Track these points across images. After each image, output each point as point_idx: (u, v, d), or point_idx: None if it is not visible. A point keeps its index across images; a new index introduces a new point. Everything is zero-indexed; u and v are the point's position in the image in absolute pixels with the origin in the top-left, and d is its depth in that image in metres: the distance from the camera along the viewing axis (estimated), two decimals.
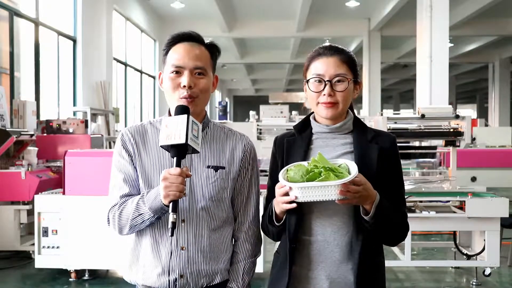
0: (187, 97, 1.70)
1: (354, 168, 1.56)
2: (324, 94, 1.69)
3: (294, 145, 1.78)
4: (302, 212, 1.68)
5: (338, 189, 1.51)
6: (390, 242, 1.77)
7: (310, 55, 1.77)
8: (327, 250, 1.68)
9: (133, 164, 1.74)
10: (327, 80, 1.69)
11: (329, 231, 1.68)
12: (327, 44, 1.80)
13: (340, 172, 1.55)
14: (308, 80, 1.74)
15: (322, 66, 1.70)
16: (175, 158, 1.58)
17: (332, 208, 1.65)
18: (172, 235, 1.54)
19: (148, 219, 1.64)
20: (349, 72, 1.71)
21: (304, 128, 1.81)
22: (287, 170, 1.61)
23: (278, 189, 1.60)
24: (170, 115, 1.75)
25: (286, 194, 1.57)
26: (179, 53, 1.72)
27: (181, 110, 1.63)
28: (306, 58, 1.78)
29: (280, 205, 1.62)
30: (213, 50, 1.81)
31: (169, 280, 1.69)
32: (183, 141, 1.54)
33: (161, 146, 1.60)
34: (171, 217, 1.53)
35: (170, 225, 1.53)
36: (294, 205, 1.57)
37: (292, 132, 1.83)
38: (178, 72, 1.71)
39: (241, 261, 1.81)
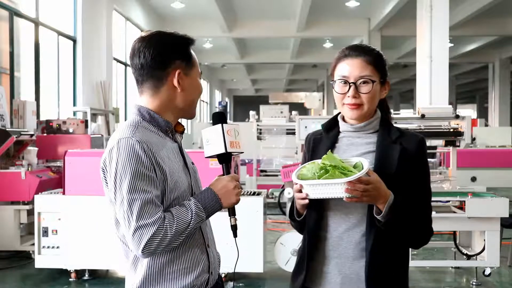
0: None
1: (365, 167, 1.58)
2: (349, 96, 1.72)
3: (320, 143, 1.83)
4: (322, 209, 1.73)
5: (344, 187, 1.55)
6: (410, 244, 1.78)
7: (337, 56, 1.79)
8: (341, 246, 1.71)
9: (157, 176, 1.58)
10: (352, 82, 1.71)
11: (343, 228, 1.71)
12: (354, 44, 1.83)
13: (349, 170, 1.58)
14: (334, 81, 1.77)
15: (347, 68, 1.72)
16: (224, 164, 1.70)
17: (349, 205, 1.68)
18: (236, 236, 1.69)
19: (198, 227, 1.65)
20: (375, 73, 1.72)
21: (331, 127, 1.85)
22: (302, 168, 1.68)
23: (294, 186, 1.69)
24: (150, 115, 1.69)
25: (301, 191, 1.65)
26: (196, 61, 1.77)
27: (219, 117, 1.71)
28: (334, 58, 1.81)
29: (297, 200, 1.71)
30: None
31: (203, 281, 1.69)
32: (222, 150, 1.66)
33: (206, 157, 1.71)
34: (233, 220, 1.70)
35: (233, 228, 1.69)
36: (306, 201, 1.65)
37: (322, 131, 1.88)
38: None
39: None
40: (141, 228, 1.51)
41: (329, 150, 1.66)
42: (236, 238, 1.72)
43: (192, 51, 1.73)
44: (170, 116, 1.71)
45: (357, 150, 1.75)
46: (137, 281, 1.64)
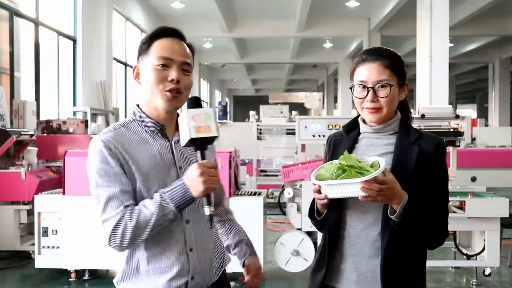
0: (173, 91, 1.65)
1: (381, 166, 1.60)
2: (368, 100, 1.74)
3: (340, 144, 1.87)
4: (341, 208, 1.77)
5: (361, 186, 1.57)
6: (425, 245, 1.79)
7: (355, 60, 1.81)
8: (358, 244, 1.75)
9: (125, 172, 1.61)
10: (370, 87, 1.73)
11: (360, 227, 1.74)
12: (372, 47, 1.84)
13: (366, 170, 1.60)
14: (353, 85, 1.79)
15: (365, 72, 1.75)
16: (198, 152, 1.58)
17: (366, 205, 1.71)
18: (211, 227, 1.62)
19: (170, 219, 1.57)
20: (393, 76, 1.74)
21: (352, 128, 1.88)
22: (320, 169, 1.70)
23: (312, 186, 1.71)
24: (142, 111, 1.70)
25: (320, 191, 1.68)
26: (168, 46, 1.67)
27: (189, 104, 1.61)
28: (352, 62, 1.83)
29: (317, 200, 1.74)
30: (193, 51, 1.76)
31: (180, 284, 1.65)
32: (188, 137, 1.55)
33: (184, 146, 1.59)
34: (208, 210, 1.55)
35: (208, 218, 1.56)
36: (325, 200, 1.68)
37: (343, 132, 1.91)
38: (165, 65, 1.65)
39: (246, 238, 1.96)
40: (105, 222, 1.59)
41: (346, 151, 1.68)
42: (212, 229, 1.72)
43: (158, 41, 1.68)
44: (157, 113, 1.69)
45: (376, 151, 1.78)
46: (118, 278, 1.75)
